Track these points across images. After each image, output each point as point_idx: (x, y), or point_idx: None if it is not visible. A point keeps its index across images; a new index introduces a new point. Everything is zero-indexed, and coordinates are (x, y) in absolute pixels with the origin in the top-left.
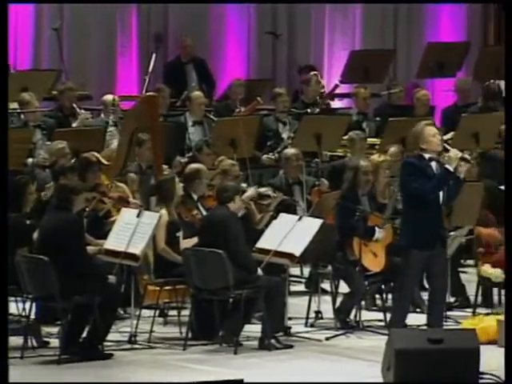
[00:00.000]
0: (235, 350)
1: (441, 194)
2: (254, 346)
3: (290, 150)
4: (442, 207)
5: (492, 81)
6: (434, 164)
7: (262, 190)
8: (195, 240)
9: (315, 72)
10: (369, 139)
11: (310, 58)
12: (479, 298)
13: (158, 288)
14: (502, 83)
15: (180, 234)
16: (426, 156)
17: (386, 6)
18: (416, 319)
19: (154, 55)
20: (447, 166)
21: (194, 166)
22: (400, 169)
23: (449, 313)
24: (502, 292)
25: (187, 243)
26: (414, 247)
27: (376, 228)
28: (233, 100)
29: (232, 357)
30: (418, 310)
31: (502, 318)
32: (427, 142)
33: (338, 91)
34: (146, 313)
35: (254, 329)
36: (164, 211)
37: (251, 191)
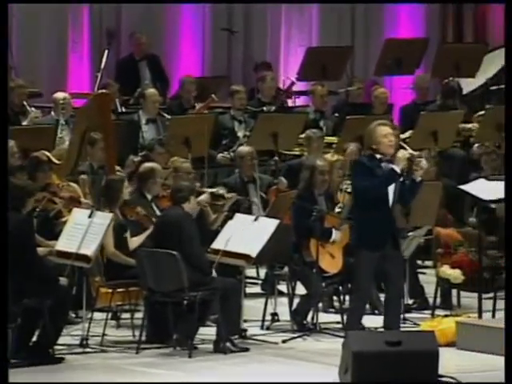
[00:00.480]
0: (190, 353)
1: (391, 194)
2: (208, 349)
3: (244, 148)
4: (392, 207)
5: (451, 78)
6: (384, 165)
7: (216, 190)
8: (143, 237)
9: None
10: (326, 138)
11: (266, 55)
12: (438, 300)
13: (110, 290)
14: (461, 81)
15: (127, 234)
16: (378, 156)
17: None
18: (374, 321)
19: (106, 51)
20: (393, 166)
21: (147, 165)
22: (350, 168)
23: (407, 315)
24: (461, 293)
25: (135, 242)
26: (364, 247)
27: (333, 230)
28: (185, 98)
29: (186, 360)
30: (375, 311)
31: (460, 319)
32: (378, 142)
33: (294, 89)
34: (98, 316)
35: (208, 332)
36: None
37: (205, 196)
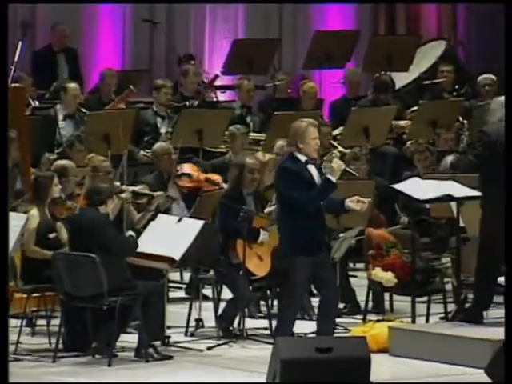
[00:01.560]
0: (109, 361)
1: None
2: (130, 357)
3: (160, 146)
4: (323, 212)
5: (383, 72)
6: (310, 167)
7: (138, 188)
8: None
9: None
10: (253, 134)
11: (189, 48)
12: (370, 304)
13: (25, 295)
14: (394, 75)
15: (53, 235)
16: (302, 158)
17: None
18: (304, 327)
19: (20, 43)
20: (329, 176)
21: (59, 162)
22: (275, 175)
23: (338, 320)
24: (394, 297)
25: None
26: (299, 254)
27: (261, 230)
28: (105, 92)
29: (106, 369)
30: (306, 316)
31: (393, 324)
32: (306, 143)
33: (220, 83)
34: (12, 322)
35: (130, 338)
36: (35, 212)
37: (126, 194)
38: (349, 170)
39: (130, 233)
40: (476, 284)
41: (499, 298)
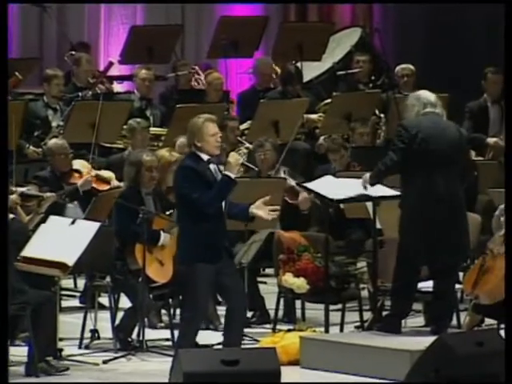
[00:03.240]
0: None
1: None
2: (19, 371)
3: (54, 142)
4: (224, 215)
5: (292, 62)
6: (212, 167)
7: (27, 189)
8: None
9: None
10: (154, 129)
11: (83, 35)
12: (280, 312)
13: None
14: (306, 65)
15: None
16: (204, 157)
17: None
18: (209, 337)
19: None
20: (228, 172)
21: None
22: (174, 174)
23: (246, 330)
24: (306, 305)
25: None
26: (198, 261)
27: (161, 232)
28: None
29: None
30: (211, 326)
31: (305, 334)
32: (204, 140)
33: (117, 73)
34: None
35: (18, 352)
36: None
37: (15, 196)
38: (248, 164)
39: None
40: (394, 291)
41: (418, 306)
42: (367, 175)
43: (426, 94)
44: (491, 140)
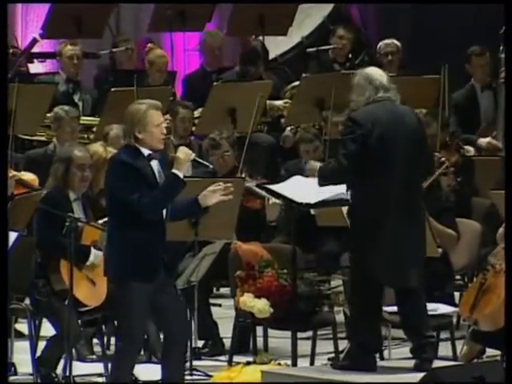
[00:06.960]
0: None
1: None
2: None
3: None
4: (164, 223)
5: (253, 37)
6: (154, 163)
7: None
8: None
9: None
10: (83, 118)
11: None
12: (237, 341)
13: None
14: (269, 40)
15: None
16: (145, 152)
17: None
18: (150, 371)
19: None
20: (176, 170)
21: None
22: (107, 171)
23: (195, 362)
24: (269, 332)
25: None
26: (134, 278)
27: (92, 248)
28: None
29: None
30: (153, 358)
31: (267, 368)
32: (147, 131)
33: (37, 49)
34: None
35: None
36: None
37: None
38: (200, 160)
39: None
40: (355, 320)
41: (398, 332)
42: (316, 165)
43: (379, 74)
44: (483, 141)
